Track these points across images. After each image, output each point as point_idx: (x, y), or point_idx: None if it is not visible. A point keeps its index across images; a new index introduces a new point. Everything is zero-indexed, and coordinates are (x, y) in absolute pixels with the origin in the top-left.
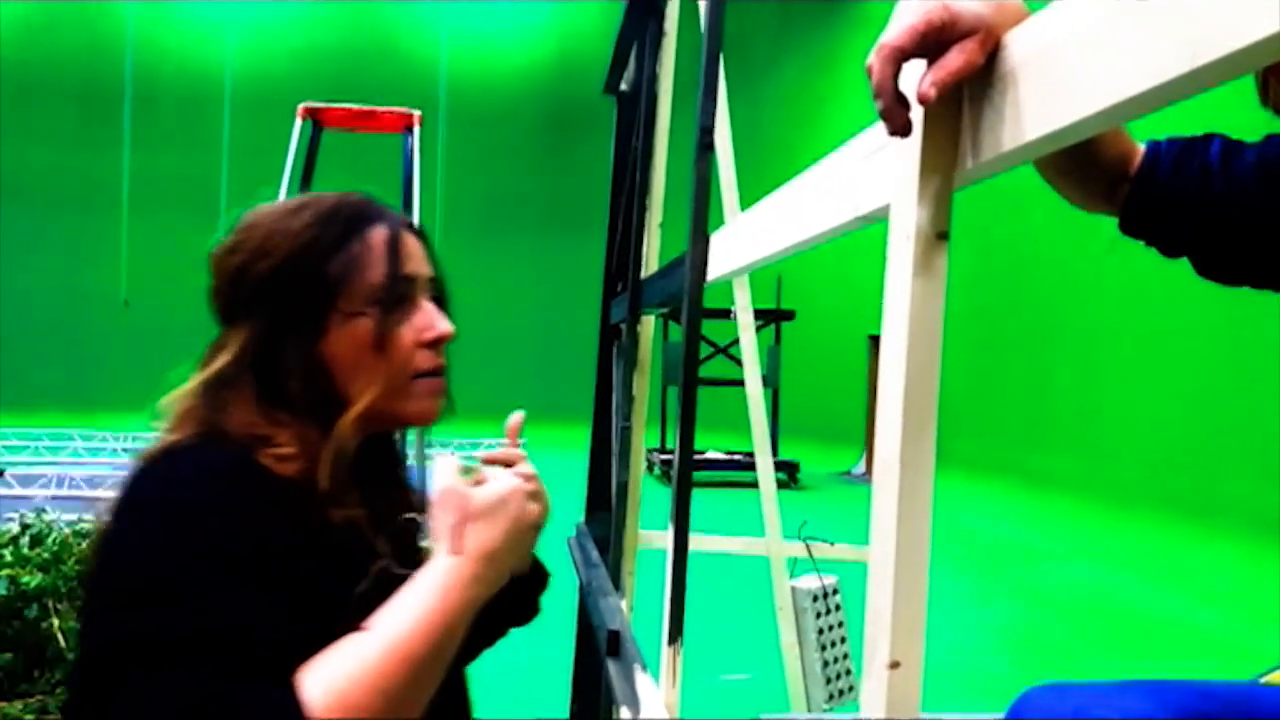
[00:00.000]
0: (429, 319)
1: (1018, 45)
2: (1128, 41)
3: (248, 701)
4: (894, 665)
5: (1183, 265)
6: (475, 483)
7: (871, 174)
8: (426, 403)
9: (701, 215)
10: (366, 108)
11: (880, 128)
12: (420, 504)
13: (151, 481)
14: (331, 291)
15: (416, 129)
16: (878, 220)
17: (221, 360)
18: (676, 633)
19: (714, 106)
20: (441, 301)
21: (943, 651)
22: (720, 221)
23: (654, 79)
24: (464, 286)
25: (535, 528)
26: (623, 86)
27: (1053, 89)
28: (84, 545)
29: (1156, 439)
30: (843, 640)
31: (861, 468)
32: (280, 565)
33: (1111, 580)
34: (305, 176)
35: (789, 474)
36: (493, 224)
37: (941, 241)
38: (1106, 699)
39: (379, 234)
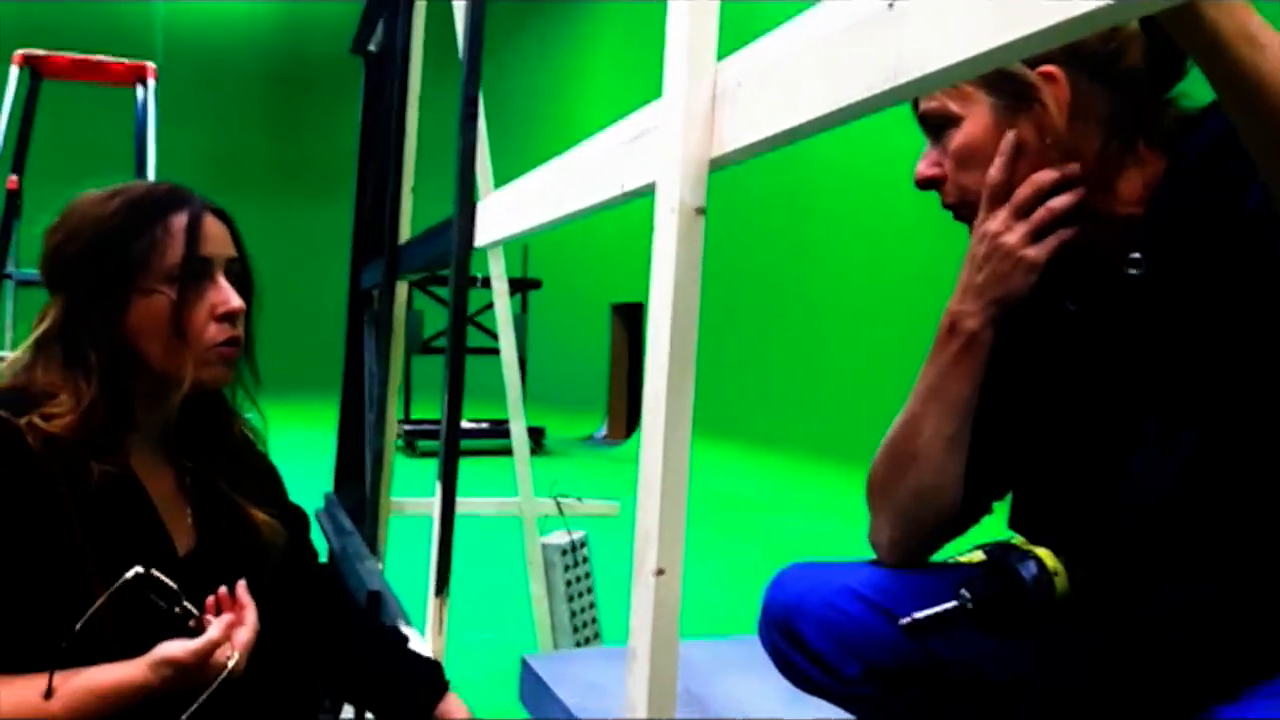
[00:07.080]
0: (223, 295)
1: (762, 54)
2: (843, 60)
3: None
4: (659, 572)
5: (882, 246)
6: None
7: (638, 155)
8: (216, 370)
9: (468, 182)
10: (94, 57)
11: (645, 113)
12: (248, 463)
13: None
14: (132, 271)
15: (152, 82)
16: (644, 195)
17: (40, 328)
18: (443, 585)
19: (478, 76)
20: (245, 278)
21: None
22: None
23: (408, 43)
24: None
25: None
26: (371, 47)
27: (779, 97)
28: None
29: (857, 399)
30: (589, 591)
31: (604, 432)
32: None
33: (817, 525)
34: (23, 131)
35: (535, 439)
36: (217, 186)
37: (699, 216)
38: (846, 569)
39: (180, 219)
